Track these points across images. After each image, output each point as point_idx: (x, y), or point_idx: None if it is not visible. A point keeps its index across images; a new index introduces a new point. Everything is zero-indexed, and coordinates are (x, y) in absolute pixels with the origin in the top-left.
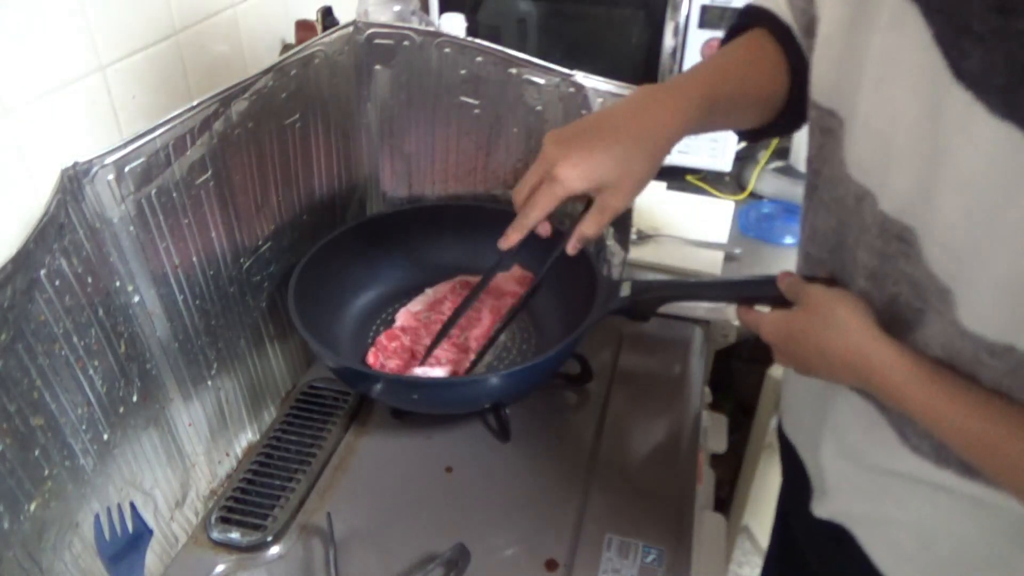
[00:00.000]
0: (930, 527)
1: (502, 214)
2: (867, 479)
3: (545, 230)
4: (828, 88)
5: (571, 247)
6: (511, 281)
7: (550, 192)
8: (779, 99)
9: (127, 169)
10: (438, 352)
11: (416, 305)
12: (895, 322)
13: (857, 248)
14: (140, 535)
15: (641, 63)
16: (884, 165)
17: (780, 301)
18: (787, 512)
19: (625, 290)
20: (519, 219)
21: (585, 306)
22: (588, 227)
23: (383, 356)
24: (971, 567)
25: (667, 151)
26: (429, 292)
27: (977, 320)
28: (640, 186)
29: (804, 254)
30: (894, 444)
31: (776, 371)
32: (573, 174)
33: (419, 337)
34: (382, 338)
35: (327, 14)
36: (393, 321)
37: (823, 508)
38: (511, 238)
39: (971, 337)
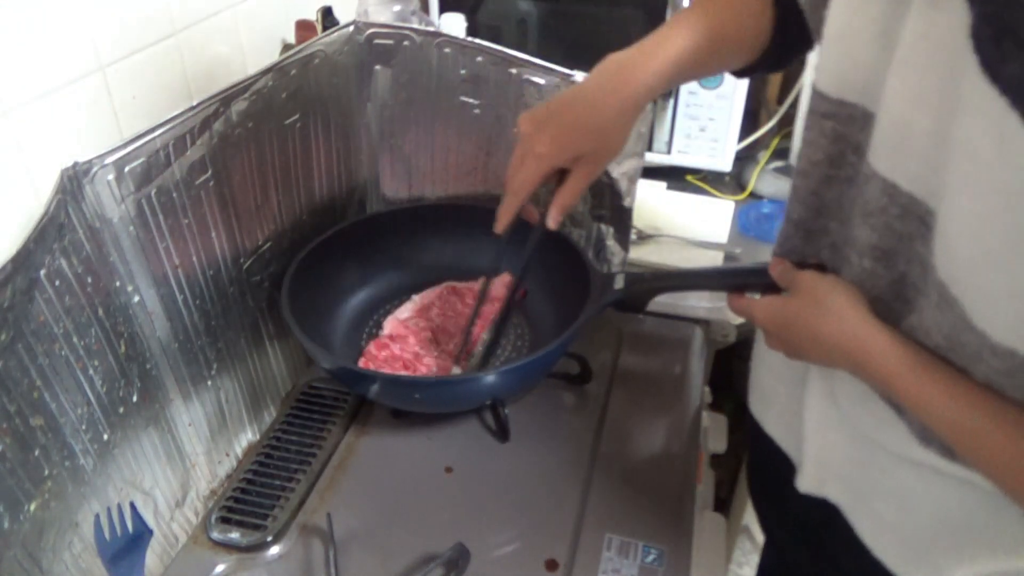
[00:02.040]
0: (911, 496)
1: (492, 214)
2: (853, 448)
3: (533, 217)
4: (843, 81)
5: (552, 220)
6: (501, 287)
7: (532, 168)
8: (757, 46)
9: (127, 169)
10: (428, 360)
11: (404, 312)
12: (898, 300)
13: (858, 228)
14: (140, 535)
15: None
16: (904, 148)
17: (772, 288)
18: (762, 495)
19: (619, 283)
20: (506, 200)
21: (578, 301)
22: (567, 197)
23: (373, 366)
24: (949, 536)
25: (637, 118)
26: (416, 299)
27: (983, 320)
28: (614, 154)
29: (784, 235)
30: (885, 418)
31: None
32: (551, 150)
33: (408, 345)
34: (371, 347)
35: (327, 14)
36: (382, 328)
37: (806, 482)
38: (502, 220)
39: (978, 333)
